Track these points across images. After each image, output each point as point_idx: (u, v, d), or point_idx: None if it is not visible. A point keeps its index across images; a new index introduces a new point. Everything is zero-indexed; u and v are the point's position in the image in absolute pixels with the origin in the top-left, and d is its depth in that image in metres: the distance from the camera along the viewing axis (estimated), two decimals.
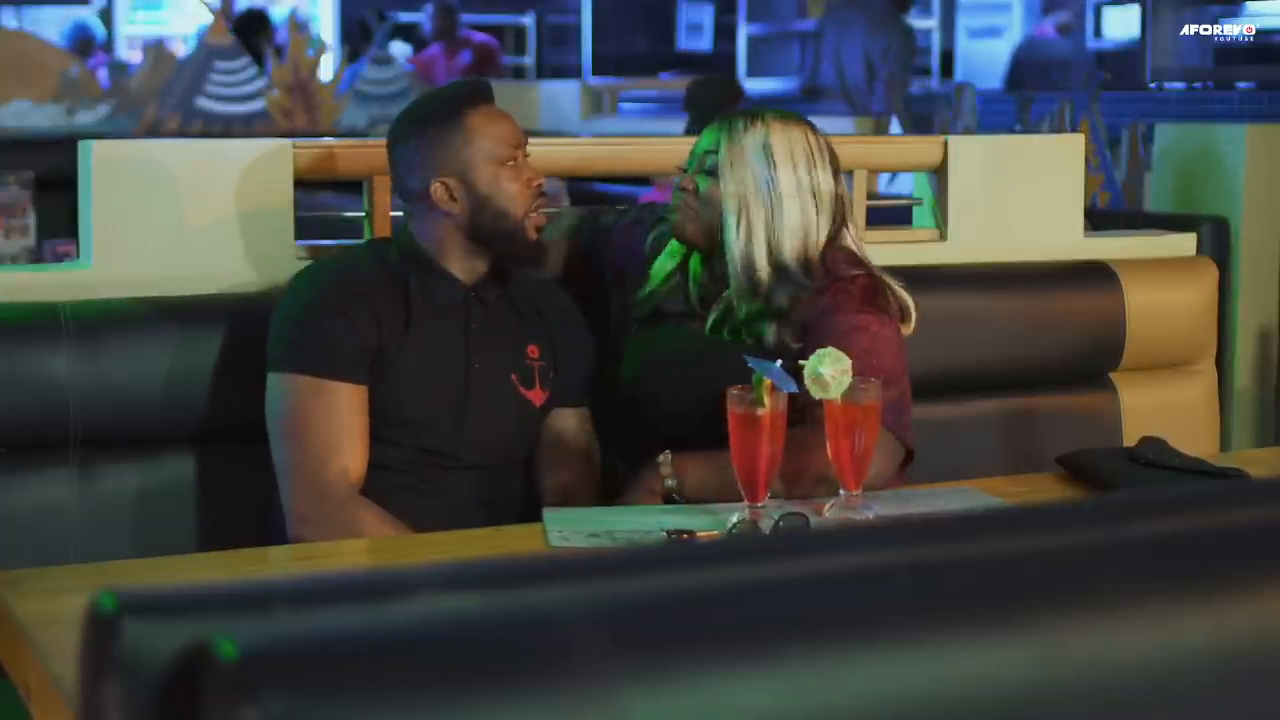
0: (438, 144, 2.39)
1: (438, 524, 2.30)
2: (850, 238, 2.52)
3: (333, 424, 2.31)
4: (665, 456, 2.36)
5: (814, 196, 2.46)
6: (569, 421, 2.52)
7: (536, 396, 2.47)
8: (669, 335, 2.54)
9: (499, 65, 9.39)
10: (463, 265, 2.44)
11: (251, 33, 7.97)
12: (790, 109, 2.58)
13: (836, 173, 2.51)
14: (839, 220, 2.49)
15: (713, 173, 2.46)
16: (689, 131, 5.13)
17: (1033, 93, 5.50)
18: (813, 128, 2.51)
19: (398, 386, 2.37)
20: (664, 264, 2.58)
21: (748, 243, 2.44)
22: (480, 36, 9.49)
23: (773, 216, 2.44)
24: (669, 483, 2.35)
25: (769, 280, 2.44)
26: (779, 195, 2.44)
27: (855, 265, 2.48)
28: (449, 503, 2.40)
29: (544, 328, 2.51)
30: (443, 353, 2.41)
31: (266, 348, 2.36)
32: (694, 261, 2.54)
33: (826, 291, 2.44)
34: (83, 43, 9.58)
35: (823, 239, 2.47)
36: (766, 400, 2.15)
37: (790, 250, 2.44)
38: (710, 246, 2.49)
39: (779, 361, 2.17)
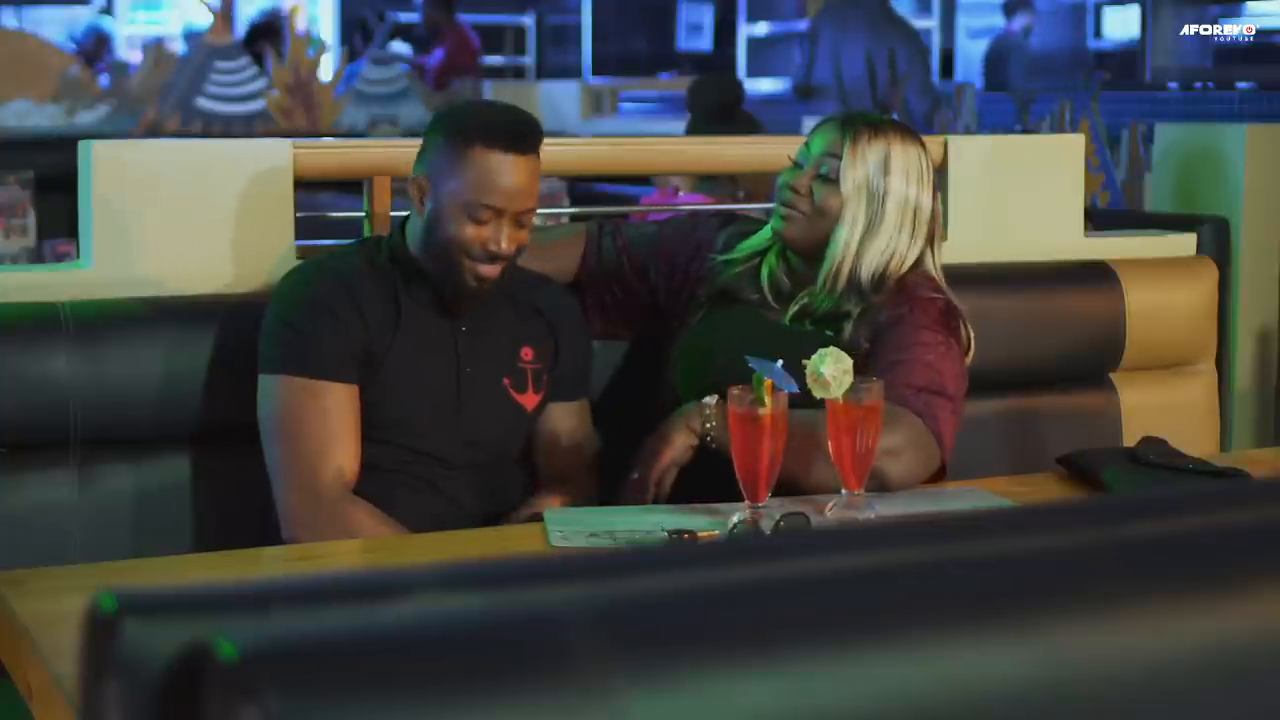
0: (437, 148, 2.37)
1: (432, 523, 2.30)
2: (932, 261, 2.54)
3: (324, 424, 2.31)
4: (712, 399, 2.33)
5: (914, 217, 2.49)
6: (566, 416, 2.51)
7: (529, 400, 2.47)
8: (741, 319, 2.54)
9: (472, 64, 8.93)
10: None
11: (260, 37, 7.97)
12: (907, 123, 2.62)
13: (935, 192, 2.53)
14: (928, 240, 2.52)
15: (832, 180, 2.47)
16: (691, 131, 5.12)
17: (1033, 92, 5.50)
18: (924, 145, 2.54)
19: (387, 387, 2.37)
20: (746, 249, 2.58)
21: (844, 250, 2.46)
22: (467, 31, 9.24)
23: (869, 230, 2.46)
24: (710, 424, 2.32)
25: (845, 286, 2.47)
26: (883, 211, 2.46)
27: (935, 291, 2.51)
28: (442, 502, 2.39)
29: (543, 325, 2.49)
30: (432, 355, 2.40)
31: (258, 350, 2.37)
32: (771, 253, 2.55)
33: (904, 304, 2.47)
34: (95, 44, 9.57)
35: (909, 259, 2.49)
36: (767, 400, 2.15)
37: (869, 265, 2.47)
38: (813, 251, 2.49)
39: (779, 361, 2.17)
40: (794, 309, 2.51)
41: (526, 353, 2.47)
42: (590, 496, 2.48)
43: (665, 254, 2.69)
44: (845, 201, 2.46)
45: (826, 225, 2.47)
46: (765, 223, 2.65)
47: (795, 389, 2.15)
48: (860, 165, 2.46)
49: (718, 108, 5.04)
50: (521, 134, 2.35)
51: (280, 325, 2.35)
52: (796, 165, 2.52)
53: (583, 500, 2.45)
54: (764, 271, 2.55)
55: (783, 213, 2.50)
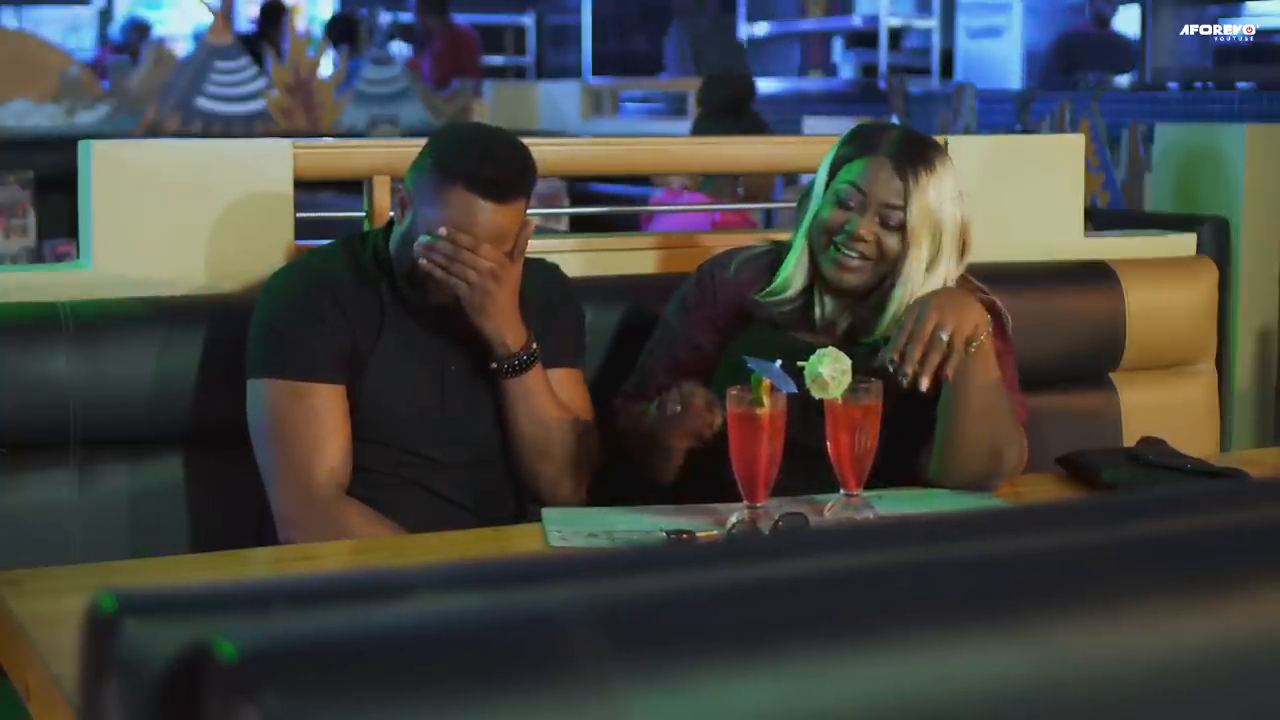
0: (424, 171, 2.34)
1: (424, 522, 2.30)
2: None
3: (314, 425, 2.30)
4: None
5: (962, 239, 2.43)
6: (556, 384, 2.43)
7: None
8: (781, 341, 2.44)
9: (467, 65, 8.87)
10: None
11: (268, 25, 7.97)
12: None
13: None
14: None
15: (898, 228, 2.38)
16: (697, 126, 5.12)
17: (1037, 92, 5.51)
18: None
19: (373, 387, 2.36)
20: (786, 286, 2.47)
21: (911, 290, 2.38)
22: (462, 32, 9.20)
23: (931, 264, 2.40)
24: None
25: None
26: (942, 244, 2.40)
27: (979, 292, 2.47)
28: (437, 502, 2.39)
29: (528, 309, 2.39)
30: (416, 354, 2.39)
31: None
32: (816, 289, 2.46)
33: None
34: (135, 33, 9.57)
35: (955, 278, 2.44)
36: (766, 400, 2.15)
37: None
38: (872, 288, 2.43)
39: (778, 361, 2.17)
40: (844, 327, 2.45)
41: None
42: (586, 471, 2.43)
43: (726, 297, 2.53)
44: (910, 244, 2.38)
45: (886, 266, 2.40)
46: (765, 244, 2.58)
47: (794, 389, 2.15)
48: (922, 206, 2.37)
49: (728, 103, 5.06)
50: (506, 185, 2.30)
51: (265, 329, 2.35)
52: (842, 204, 2.40)
53: (578, 473, 2.42)
54: (817, 310, 2.46)
55: (850, 263, 2.40)
